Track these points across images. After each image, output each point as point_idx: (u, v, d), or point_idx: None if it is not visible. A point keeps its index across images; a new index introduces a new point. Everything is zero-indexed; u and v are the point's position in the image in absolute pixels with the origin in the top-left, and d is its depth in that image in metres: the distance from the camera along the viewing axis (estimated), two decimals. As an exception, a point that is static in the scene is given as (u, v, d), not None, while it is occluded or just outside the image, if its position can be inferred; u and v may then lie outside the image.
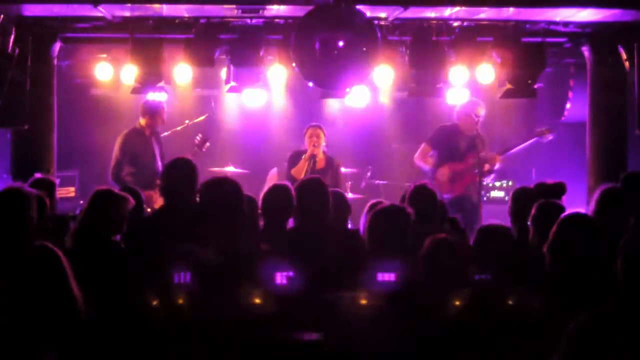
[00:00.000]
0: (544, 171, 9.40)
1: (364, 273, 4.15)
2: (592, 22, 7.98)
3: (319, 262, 4.44)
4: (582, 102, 8.78)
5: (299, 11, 7.38)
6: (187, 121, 9.24)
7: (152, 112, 8.17)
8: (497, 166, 8.52)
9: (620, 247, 3.08)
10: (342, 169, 8.58)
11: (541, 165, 9.81)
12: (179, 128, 9.13)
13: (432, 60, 8.00)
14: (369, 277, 4.11)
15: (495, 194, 9.63)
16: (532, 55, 8.07)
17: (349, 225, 5.88)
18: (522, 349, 3.77)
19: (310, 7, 7.15)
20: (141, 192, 5.56)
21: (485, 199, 9.18)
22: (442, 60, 8.04)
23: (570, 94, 9.41)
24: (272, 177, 8.84)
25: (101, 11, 7.39)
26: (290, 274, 4.20)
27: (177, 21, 7.90)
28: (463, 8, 7.50)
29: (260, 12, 7.59)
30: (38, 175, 6.20)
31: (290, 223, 5.09)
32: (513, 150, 8.76)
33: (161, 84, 8.14)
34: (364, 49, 7.22)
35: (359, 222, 5.49)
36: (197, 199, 4.92)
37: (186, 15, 7.77)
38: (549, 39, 8.22)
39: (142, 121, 8.19)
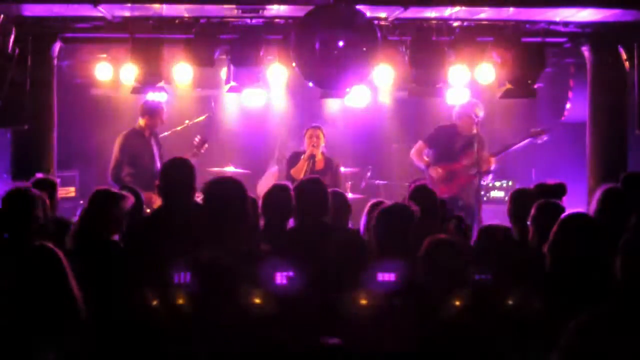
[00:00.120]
0: (544, 171, 9.40)
1: (365, 273, 4.15)
2: (592, 22, 7.98)
3: (319, 262, 4.44)
4: (582, 102, 8.78)
5: (299, 11, 7.38)
6: (187, 121, 9.24)
7: (152, 112, 8.17)
8: (492, 167, 8.54)
9: (620, 247, 3.08)
10: (342, 169, 8.59)
11: (541, 165, 9.81)
12: (178, 128, 9.13)
13: (432, 60, 8.00)
14: (370, 277, 4.11)
15: (495, 194, 9.64)
16: (532, 55, 8.07)
17: (349, 225, 5.88)
18: (522, 349, 3.77)
19: (310, 7, 7.15)
20: (141, 193, 5.56)
21: (485, 199, 9.18)
22: (442, 60, 8.03)
23: (570, 94, 9.41)
24: (270, 175, 8.86)
25: (101, 11, 7.39)
26: (290, 274, 4.20)
27: (177, 21, 7.89)
28: (463, 8, 7.50)
29: (260, 12, 7.59)
30: (39, 175, 6.21)
31: (291, 223, 5.10)
32: (507, 151, 8.78)
33: (161, 84, 8.13)
34: (364, 49, 7.22)
35: (359, 222, 5.49)
36: (197, 198, 4.93)
37: (186, 15, 7.77)
38: (549, 39, 8.22)
39: (142, 122, 8.18)
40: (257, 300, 4.03)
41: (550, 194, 5.16)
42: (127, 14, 7.65)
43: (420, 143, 8.74)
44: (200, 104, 9.95)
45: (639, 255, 3.03)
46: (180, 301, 4.00)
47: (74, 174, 9.45)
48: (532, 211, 4.75)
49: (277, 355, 3.91)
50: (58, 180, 6.44)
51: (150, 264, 4.25)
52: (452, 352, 3.84)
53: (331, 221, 5.11)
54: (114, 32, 7.96)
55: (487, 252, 4.55)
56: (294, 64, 7.50)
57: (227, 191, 4.49)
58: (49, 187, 5.63)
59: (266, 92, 9.12)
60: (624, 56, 8.10)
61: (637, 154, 8.49)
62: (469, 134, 8.49)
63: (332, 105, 10.06)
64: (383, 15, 7.74)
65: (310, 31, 7.16)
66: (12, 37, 7.29)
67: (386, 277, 4.11)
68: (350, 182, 9.20)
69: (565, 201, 5.28)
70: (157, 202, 6.93)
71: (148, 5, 7.48)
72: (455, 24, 7.96)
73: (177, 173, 4.94)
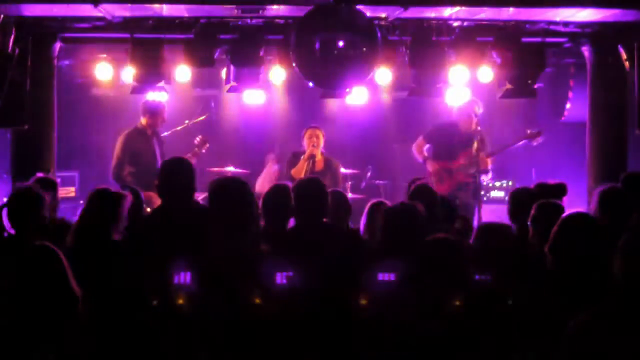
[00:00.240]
0: (544, 171, 9.41)
1: (366, 273, 4.15)
2: (592, 22, 7.98)
3: (319, 262, 4.44)
4: (582, 102, 8.79)
5: (299, 11, 7.38)
6: (187, 121, 9.24)
7: (153, 111, 8.17)
8: (489, 167, 8.55)
9: (619, 247, 3.08)
10: (342, 170, 8.59)
11: (541, 165, 9.82)
12: (179, 128, 9.13)
13: (432, 60, 8.01)
14: (371, 276, 4.11)
15: (495, 193, 9.63)
16: (532, 55, 8.08)
17: (349, 225, 5.88)
18: (522, 348, 3.77)
19: (310, 7, 7.15)
20: (141, 192, 5.56)
21: (485, 198, 9.18)
22: (442, 60, 8.04)
23: (570, 94, 9.41)
24: (269, 174, 8.89)
25: (101, 11, 7.39)
26: (290, 273, 4.20)
27: (177, 21, 7.90)
28: (463, 8, 7.51)
29: (260, 12, 7.59)
30: (40, 174, 6.21)
31: (292, 223, 5.09)
32: (502, 152, 8.78)
33: (161, 83, 8.14)
34: (364, 49, 7.22)
35: (359, 222, 5.49)
36: (197, 198, 4.93)
37: (186, 15, 7.77)
38: (549, 39, 8.23)
39: (143, 120, 8.18)
40: (257, 300, 4.03)
41: (550, 194, 5.16)
42: (127, 14, 7.65)
43: (420, 138, 8.84)
44: (200, 104, 9.94)
45: (639, 255, 3.03)
46: (180, 301, 4.00)
47: (74, 174, 9.44)
48: (532, 211, 4.75)
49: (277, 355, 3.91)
50: (58, 180, 6.44)
51: (150, 263, 4.25)
52: (452, 352, 3.84)
53: (331, 221, 5.11)
54: (114, 32, 7.97)
55: (487, 250, 4.54)
56: (294, 64, 7.50)
57: (234, 191, 4.48)
58: (50, 187, 5.63)
59: (266, 92, 9.12)
60: (624, 56, 8.10)
61: (637, 154, 8.50)
62: (468, 131, 8.51)
63: (332, 105, 10.07)
64: (383, 15, 7.74)
65: (310, 31, 7.16)
66: (12, 37, 7.30)
67: (387, 277, 4.11)
68: (350, 182, 9.20)
69: (565, 201, 5.28)
70: (158, 201, 6.93)
71: (148, 5, 7.48)
72: (455, 24, 7.97)
73: (176, 173, 4.93)
